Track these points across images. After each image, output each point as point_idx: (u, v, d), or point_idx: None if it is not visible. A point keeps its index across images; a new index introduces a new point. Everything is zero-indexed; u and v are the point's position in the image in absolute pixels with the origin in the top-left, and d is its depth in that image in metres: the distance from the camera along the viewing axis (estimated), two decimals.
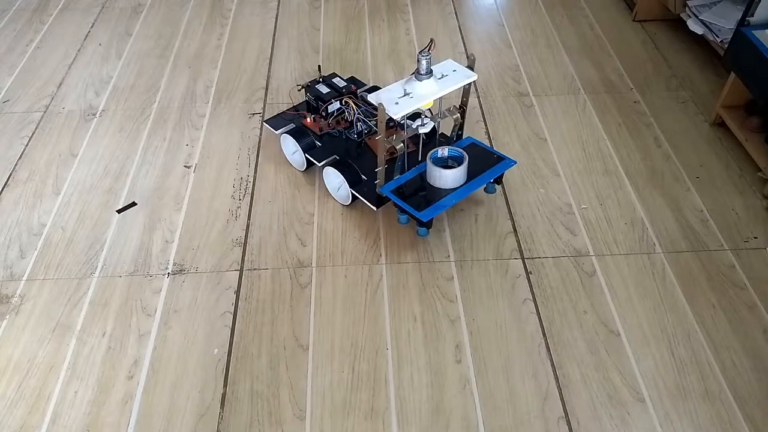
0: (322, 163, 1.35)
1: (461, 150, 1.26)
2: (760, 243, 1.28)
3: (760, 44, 1.34)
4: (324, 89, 1.42)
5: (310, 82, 1.45)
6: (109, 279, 1.23)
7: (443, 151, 1.26)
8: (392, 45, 1.87)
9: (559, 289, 1.20)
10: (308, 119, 1.43)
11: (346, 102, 1.38)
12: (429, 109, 1.28)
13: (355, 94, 1.43)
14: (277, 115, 1.50)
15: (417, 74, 1.18)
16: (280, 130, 1.45)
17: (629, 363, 1.08)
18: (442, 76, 1.21)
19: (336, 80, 1.45)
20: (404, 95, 1.17)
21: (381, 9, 2.01)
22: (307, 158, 1.39)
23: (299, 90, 1.52)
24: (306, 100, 1.47)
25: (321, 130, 1.40)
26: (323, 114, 1.40)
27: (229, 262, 1.26)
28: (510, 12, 1.99)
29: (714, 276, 1.22)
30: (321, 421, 1.02)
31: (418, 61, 1.17)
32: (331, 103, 1.39)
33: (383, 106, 1.13)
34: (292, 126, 1.44)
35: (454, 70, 1.23)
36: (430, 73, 1.18)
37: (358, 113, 1.36)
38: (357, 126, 1.37)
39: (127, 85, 1.73)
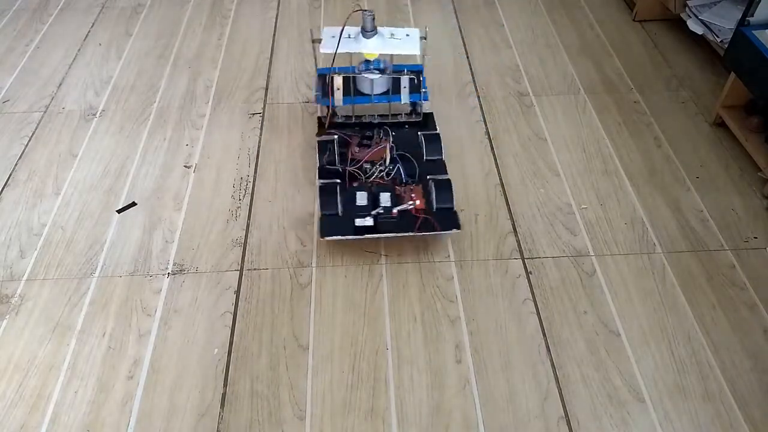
0: None
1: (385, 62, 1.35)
2: (760, 243, 1.28)
3: (760, 44, 1.34)
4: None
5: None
6: (109, 279, 1.23)
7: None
8: None
9: (559, 289, 1.20)
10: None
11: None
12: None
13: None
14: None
15: (363, 32, 1.26)
16: None
17: (629, 363, 1.08)
18: (391, 36, 1.26)
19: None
20: (348, 37, 1.23)
21: (381, 9, 2.01)
22: None
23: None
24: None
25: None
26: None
27: (229, 262, 1.26)
28: (510, 12, 1.99)
29: (714, 276, 1.22)
30: (321, 421, 1.02)
31: (363, 19, 1.24)
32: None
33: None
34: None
35: (408, 35, 1.28)
36: (374, 31, 1.24)
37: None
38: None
39: (127, 85, 1.72)
